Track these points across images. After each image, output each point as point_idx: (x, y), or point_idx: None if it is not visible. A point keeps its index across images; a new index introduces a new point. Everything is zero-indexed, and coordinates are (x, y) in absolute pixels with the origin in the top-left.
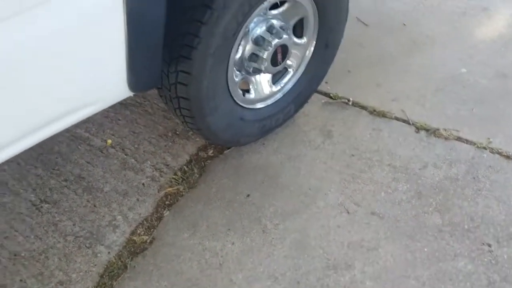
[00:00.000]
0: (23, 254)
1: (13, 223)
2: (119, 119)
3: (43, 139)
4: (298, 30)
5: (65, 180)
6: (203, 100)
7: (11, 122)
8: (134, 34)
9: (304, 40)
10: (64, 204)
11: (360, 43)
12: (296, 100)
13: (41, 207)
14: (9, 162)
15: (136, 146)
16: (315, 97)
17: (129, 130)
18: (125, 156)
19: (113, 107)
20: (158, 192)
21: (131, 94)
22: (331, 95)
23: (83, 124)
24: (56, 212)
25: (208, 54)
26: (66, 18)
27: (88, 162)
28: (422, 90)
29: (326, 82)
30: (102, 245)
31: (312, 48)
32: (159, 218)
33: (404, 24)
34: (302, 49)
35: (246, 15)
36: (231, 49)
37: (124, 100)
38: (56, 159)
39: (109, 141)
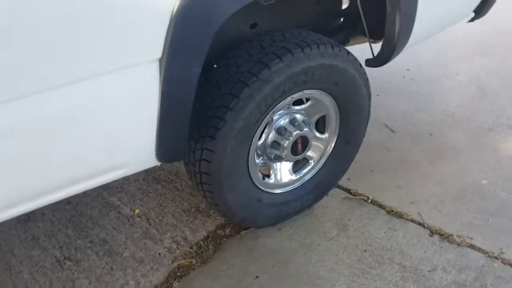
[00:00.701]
0: None
1: (35, 275)
2: (150, 192)
3: (76, 193)
4: (321, 125)
5: (90, 242)
6: (222, 177)
7: (55, 174)
8: (165, 113)
9: (325, 135)
10: (85, 263)
11: (386, 147)
12: (314, 190)
13: (64, 263)
14: (44, 220)
15: (160, 218)
16: (336, 191)
17: (157, 203)
18: (148, 226)
19: (146, 181)
20: (172, 263)
21: (158, 163)
22: (352, 191)
23: (118, 193)
24: (76, 270)
25: (231, 136)
26: (113, 93)
27: (114, 228)
28: (441, 196)
29: (348, 179)
30: None
31: (333, 144)
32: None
33: (431, 134)
34: (324, 143)
35: (269, 107)
36: (253, 134)
37: (158, 176)
38: (87, 221)
39: (137, 211)
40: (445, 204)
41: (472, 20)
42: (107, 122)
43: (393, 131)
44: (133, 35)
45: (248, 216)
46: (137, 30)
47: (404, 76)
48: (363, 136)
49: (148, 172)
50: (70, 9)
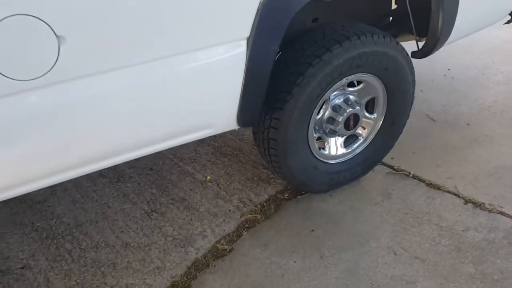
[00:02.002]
0: (132, 244)
1: (129, 223)
2: (218, 163)
3: (172, 146)
4: (371, 106)
5: (172, 199)
6: (287, 144)
7: (152, 129)
8: (248, 83)
9: (374, 115)
10: (169, 215)
11: (427, 134)
12: (362, 164)
13: (152, 214)
14: (132, 181)
15: (228, 183)
16: (381, 168)
17: (225, 172)
18: (219, 189)
19: (215, 154)
20: (240, 217)
21: (236, 127)
22: (395, 167)
23: (191, 163)
24: (161, 220)
25: (296, 107)
26: (212, 64)
27: (190, 190)
28: (475, 174)
29: (392, 158)
30: (193, 247)
31: (380, 123)
32: (239, 235)
33: (468, 124)
34: (372, 122)
35: (328, 85)
36: (314, 108)
37: (225, 151)
38: (168, 184)
39: (208, 177)
40: (479, 180)
41: (508, 22)
42: (204, 87)
43: (434, 121)
44: (231, 18)
45: (305, 180)
46: (234, 14)
47: (445, 75)
48: (407, 118)
49: (216, 148)
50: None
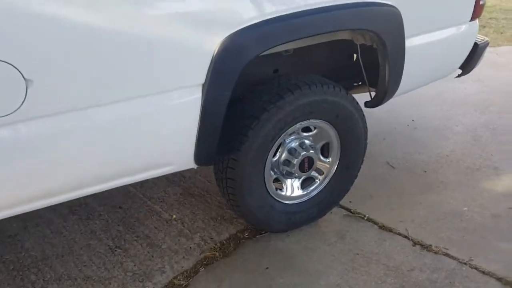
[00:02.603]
0: (94, 278)
1: (92, 257)
2: (185, 203)
3: (134, 181)
4: (326, 151)
5: (137, 236)
6: (243, 183)
7: (113, 165)
8: (203, 125)
9: (329, 159)
10: (131, 251)
11: (385, 180)
12: (319, 205)
13: (115, 250)
14: (101, 219)
15: (192, 222)
16: (339, 210)
17: (190, 211)
18: (182, 227)
19: (183, 195)
20: (200, 254)
21: (195, 166)
22: (352, 210)
23: (159, 202)
24: (124, 255)
25: (252, 149)
26: (170, 106)
27: (155, 227)
28: (426, 217)
29: (350, 202)
30: (151, 282)
31: (335, 167)
32: (196, 272)
33: (425, 171)
34: (328, 166)
35: (282, 129)
36: (269, 150)
37: (193, 192)
38: (134, 222)
39: (174, 216)
40: (429, 223)
41: (459, 75)
42: (162, 128)
43: (393, 168)
44: (188, 66)
45: (263, 219)
46: (191, 63)
47: (408, 125)
48: (362, 163)
49: (184, 188)
50: (145, 48)
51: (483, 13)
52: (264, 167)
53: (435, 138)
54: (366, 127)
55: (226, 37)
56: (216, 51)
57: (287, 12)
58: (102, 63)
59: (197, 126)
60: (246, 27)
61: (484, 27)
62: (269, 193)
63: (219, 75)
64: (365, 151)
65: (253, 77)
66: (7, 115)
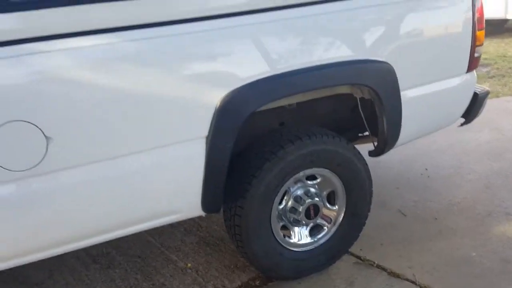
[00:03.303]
0: None
1: None
2: (200, 252)
3: (146, 228)
4: (332, 199)
5: (153, 285)
6: (250, 230)
7: (125, 213)
8: (208, 175)
9: (336, 207)
10: None
11: (396, 227)
12: (328, 253)
13: None
14: (120, 268)
15: (206, 271)
16: (349, 257)
17: (205, 260)
18: (197, 276)
19: (199, 243)
20: None
21: (203, 213)
22: (361, 257)
23: (176, 252)
24: None
25: (256, 197)
26: (176, 158)
27: (171, 276)
28: (434, 264)
29: (361, 249)
30: None
31: (342, 215)
32: None
33: (436, 218)
34: (335, 214)
35: (285, 177)
36: (274, 197)
37: (208, 241)
38: (152, 270)
39: (189, 264)
40: (437, 269)
41: (462, 124)
42: (170, 178)
43: (405, 215)
44: (193, 121)
45: (271, 266)
46: (196, 118)
47: (421, 174)
48: (368, 210)
49: (200, 237)
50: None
51: (503, 63)
52: (270, 214)
53: (447, 186)
54: (370, 175)
55: (226, 94)
56: (217, 107)
57: (280, 72)
58: (114, 122)
59: (203, 175)
60: (244, 85)
61: (504, 76)
62: (277, 240)
63: (221, 128)
64: (370, 199)
65: (259, 129)
66: (28, 169)
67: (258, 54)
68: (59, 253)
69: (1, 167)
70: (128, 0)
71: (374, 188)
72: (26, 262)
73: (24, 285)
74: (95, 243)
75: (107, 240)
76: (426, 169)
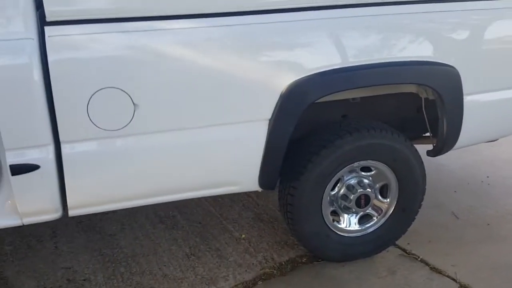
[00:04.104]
0: (170, 276)
1: (171, 260)
2: (254, 226)
3: (207, 195)
4: (385, 191)
5: (209, 248)
6: (301, 210)
7: (192, 179)
8: (267, 154)
9: (387, 200)
10: (203, 259)
11: (447, 228)
12: (375, 242)
13: (190, 257)
14: (182, 230)
15: (258, 243)
16: (395, 249)
17: (258, 234)
18: (249, 246)
19: (254, 219)
20: (260, 270)
21: (259, 189)
22: (407, 251)
23: (233, 223)
24: (197, 262)
25: (310, 180)
26: (242, 135)
27: (226, 243)
28: (479, 265)
29: (408, 244)
30: (215, 286)
31: (393, 208)
32: (254, 284)
33: (488, 224)
34: (385, 206)
35: (339, 166)
36: (327, 183)
37: (263, 217)
38: (209, 236)
39: (243, 235)
40: (481, 271)
41: None
42: (234, 152)
43: (457, 218)
44: (260, 103)
45: (318, 246)
46: (262, 101)
47: (482, 181)
48: (419, 207)
49: (256, 214)
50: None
51: None
52: (322, 198)
53: (506, 195)
54: (425, 174)
55: (292, 82)
56: (282, 93)
57: (342, 66)
58: (192, 97)
59: (262, 154)
60: (307, 76)
61: None
62: (325, 223)
63: (283, 113)
64: (422, 197)
65: (323, 119)
66: (117, 129)
67: (326, 47)
68: (129, 206)
69: (95, 125)
70: None
71: (432, 190)
72: (103, 210)
73: (99, 234)
74: (162, 201)
75: (174, 200)
76: (488, 176)
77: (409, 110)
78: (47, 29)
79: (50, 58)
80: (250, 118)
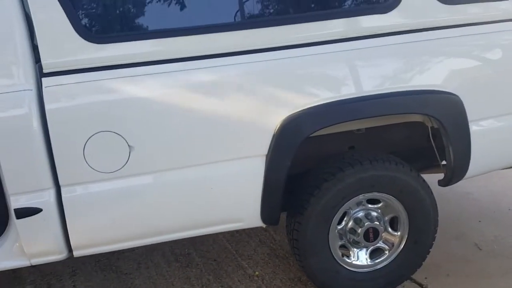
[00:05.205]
0: None
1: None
2: (269, 263)
3: (214, 232)
4: (395, 224)
5: (221, 286)
6: (307, 245)
7: (193, 217)
8: (266, 189)
9: (398, 233)
10: None
11: (468, 260)
12: (387, 277)
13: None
14: (197, 268)
15: (271, 280)
16: (411, 284)
17: (272, 271)
18: (261, 284)
19: (269, 255)
20: None
21: (263, 224)
22: (423, 285)
23: (247, 259)
24: None
25: (313, 215)
26: (239, 171)
27: (239, 281)
28: None
29: (426, 278)
30: None
31: (404, 241)
32: None
33: None
34: (396, 239)
35: (343, 199)
36: (332, 217)
37: (278, 253)
38: (223, 273)
39: (257, 272)
40: None
41: None
42: (233, 189)
43: (480, 249)
44: (255, 141)
45: (327, 282)
46: (257, 138)
47: (509, 209)
48: (432, 240)
49: (272, 249)
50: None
51: None
52: (328, 232)
53: None
54: (435, 204)
55: (284, 118)
56: (276, 129)
57: (334, 99)
58: (188, 137)
59: (261, 189)
60: (301, 110)
61: None
62: (334, 258)
63: (278, 148)
64: (435, 228)
65: (328, 151)
66: (114, 171)
67: (316, 82)
68: (132, 246)
69: (92, 168)
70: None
71: (455, 219)
72: (107, 250)
73: (115, 273)
74: (166, 240)
75: (178, 238)
76: None
77: (419, 139)
78: (44, 80)
79: (47, 107)
80: (248, 154)
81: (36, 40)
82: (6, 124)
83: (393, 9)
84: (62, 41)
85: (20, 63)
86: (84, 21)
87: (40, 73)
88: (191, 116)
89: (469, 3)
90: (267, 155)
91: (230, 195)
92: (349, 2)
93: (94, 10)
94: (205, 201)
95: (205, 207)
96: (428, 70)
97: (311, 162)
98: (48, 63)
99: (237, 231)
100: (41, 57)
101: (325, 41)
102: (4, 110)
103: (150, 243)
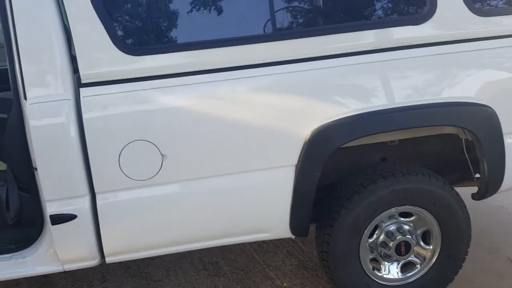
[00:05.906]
0: None
1: None
2: (297, 274)
3: (242, 241)
4: (428, 237)
5: None
6: (336, 257)
7: (221, 226)
8: (295, 200)
9: (430, 247)
10: None
11: (501, 276)
12: None
13: None
14: (225, 277)
15: None
16: None
17: (300, 282)
18: None
19: (298, 266)
20: None
21: (291, 235)
22: None
23: (275, 270)
24: None
25: (344, 227)
26: (270, 181)
27: None
28: None
29: None
30: None
31: (437, 255)
32: None
33: None
34: (428, 253)
35: (375, 212)
36: (363, 230)
37: (307, 265)
38: (251, 283)
39: (285, 284)
40: None
41: None
42: (262, 199)
43: None
44: (285, 151)
45: None
46: (287, 148)
47: None
48: (466, 254)
49: (300, 261)
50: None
51: None
52: (359, 246)
53: None
54: (468, 217)
55: (315, 128)
56: (306, 139)
57: (366, 111)
58: (219, 147)
59: (291, 200)
60: (332, 121)
61: None
62: (365, 271)
63: (309, 158)
64: (468, 243)
65: (360, 163)
66: (147, 179)
67: (350, 93)
68: (163, 253)
69: (127, 176)
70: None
71: (488, 233)
72: (138, 257)
73: (145, 280)
74: (194, 248)
75: (207, 247)
76: None
77: (452, 152)
78: (82, 90)
79: (84, 116)
80: (278, 164)
81: (75, 51)
82: (45, 133)
83: (426, 20)
84: (99, 52)
85: (59, 73)
86: (121, 33)
87: (78, 84)
88: (222, 126)
89: (503, 15)
90: (297, 165)
91: (259, 205)
92: (382, 13)
93: (130, 23)
94: (234, 210)
95: (234, 216)
96: (462, 82)
97: (342, 173)
98: (86, 74)
99: (264, 242)
100: (79, 68)
101: (358, 52)
102: (43, 119)
103: (179, 251)
